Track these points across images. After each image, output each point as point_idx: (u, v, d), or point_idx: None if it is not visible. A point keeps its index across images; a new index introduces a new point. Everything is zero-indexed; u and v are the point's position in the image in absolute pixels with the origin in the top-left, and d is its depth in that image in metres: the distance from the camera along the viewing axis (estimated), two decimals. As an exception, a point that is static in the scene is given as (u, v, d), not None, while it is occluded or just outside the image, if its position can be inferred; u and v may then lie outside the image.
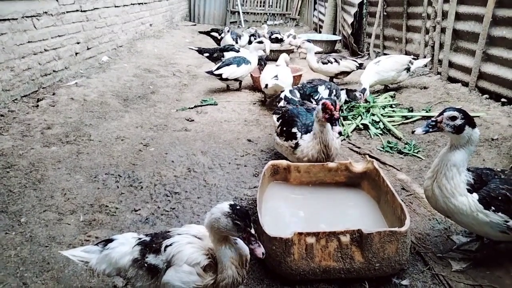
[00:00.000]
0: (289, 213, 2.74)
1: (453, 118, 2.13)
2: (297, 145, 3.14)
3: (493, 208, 2.08)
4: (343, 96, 4.89)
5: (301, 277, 2.17)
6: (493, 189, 2.12)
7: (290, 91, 4.41)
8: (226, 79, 5.88)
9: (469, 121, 2.14)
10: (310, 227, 2.61)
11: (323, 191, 2.96)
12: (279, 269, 2.17)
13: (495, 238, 2.20)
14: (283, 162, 2.99)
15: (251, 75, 6.24)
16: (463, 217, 2.17)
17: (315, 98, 4.49)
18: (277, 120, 3.51)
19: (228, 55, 6.75)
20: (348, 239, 2.13)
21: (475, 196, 2.13)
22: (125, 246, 1.91)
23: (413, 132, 2.25)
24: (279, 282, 2.21)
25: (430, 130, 2.22)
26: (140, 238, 1.96)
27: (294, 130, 3.20)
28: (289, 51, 8.82)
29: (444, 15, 5.73)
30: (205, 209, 2.95)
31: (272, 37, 9.29)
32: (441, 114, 2.18)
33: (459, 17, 5.42)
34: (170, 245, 1.83)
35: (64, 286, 2.16)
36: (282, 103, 4.13)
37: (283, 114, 3.47)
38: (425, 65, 6.23)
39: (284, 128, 3.31)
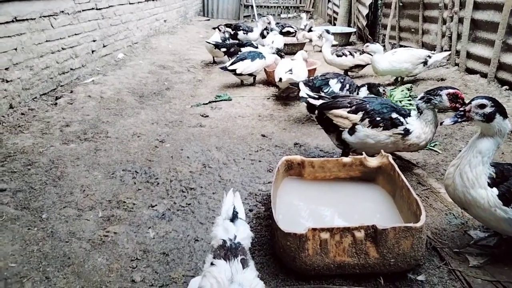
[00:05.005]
0: (303, 209, 2.75)
1: (482, 106, 2.09)
2: (407, 131, 3.10)
3: None
4: (364, 92, 4.63)
5: (315, 272, 2.18)
6: None
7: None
8: (240, 74, 5.88)
9: (500, 109, 2.09)
10: (324, 222, 2.62)
11: (337, 186, 2.96)
12: (293, 264, 2.19)
13: (513, 235, 2.16)
14: (297, 158, 2.99)
15: (265, 69, 6.23)
16: (479, 210, 2.13)
17: (325, 91, 4.43)
18: (352, 113, 3.20)
19: (244, 50, 6.74)
20: (362, 235, 2.12)
21: (495, 190, 2.09)
22: None
23: (441, 123, 2.22)
24: (293, 277, 2.23)
25: (459, 120, 2.19)
26: None
27: (394, 115, 3.14)
28: (303, 44, 8.78)
29: (462, 4, 5.60)
30: (220, 205, 2.96)
31: (284, 31, 9.24)
32: (469, 103, 2.15)
33: (477, 6, 5.28)
34: None
35: (84, 280, 2.22)
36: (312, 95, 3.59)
37: (359, 105, 3.22)
38: (448, 60, 6.06)
39: (378, 118, 3.13)
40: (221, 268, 1.65)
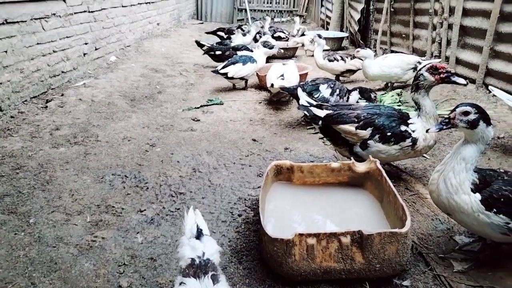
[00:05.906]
0: (291, 214, 2.76)
1: (466, 113, 2.14)
2: (414, 140, 3.06)
3: (494, 210, 2.08)
4: (356, 96, 4.61)
5: (302, 278, 2.19)
6: (496, 190, 2.11)
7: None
8: (232, 78, 5.90)
9: (484, 116, 2.13)
10: (313, 227, 2.64)
11: (326, 191, 2.98)
12: (280, 269, 2.20)
13: (496, 240, 2.19)
14: (286, 163, 3.01)
15: (257, 74, 6.25)
16: (463, 216, 2.16)
17: (315, 96, 4.46)
18: (361, 129, 3.11)
19: (240, 54, 6.75)
20: (348, 240, 2.14)
21: (477, 196, 2.12)
22: None
23: (427, 131, 2.26)
24: (280, 282, 2.24)
25: (444, 127, 2.24)
26: None
27: (403, 128, 3.08)
28: (295, 49, 8.83)
29: (451, 11, 5.67)
30: (210, 210, 2.99)
31: (275, 35, 9.27)
32: (454, 110, 2.20)
33: (466, 13, 5.36)
34: None
35: (70, 286, 2.21)
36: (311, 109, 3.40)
37: (367, 120, 3.11)
38: None
39: (389, 134, 3.06)
40: (191, 286, 1.61)
